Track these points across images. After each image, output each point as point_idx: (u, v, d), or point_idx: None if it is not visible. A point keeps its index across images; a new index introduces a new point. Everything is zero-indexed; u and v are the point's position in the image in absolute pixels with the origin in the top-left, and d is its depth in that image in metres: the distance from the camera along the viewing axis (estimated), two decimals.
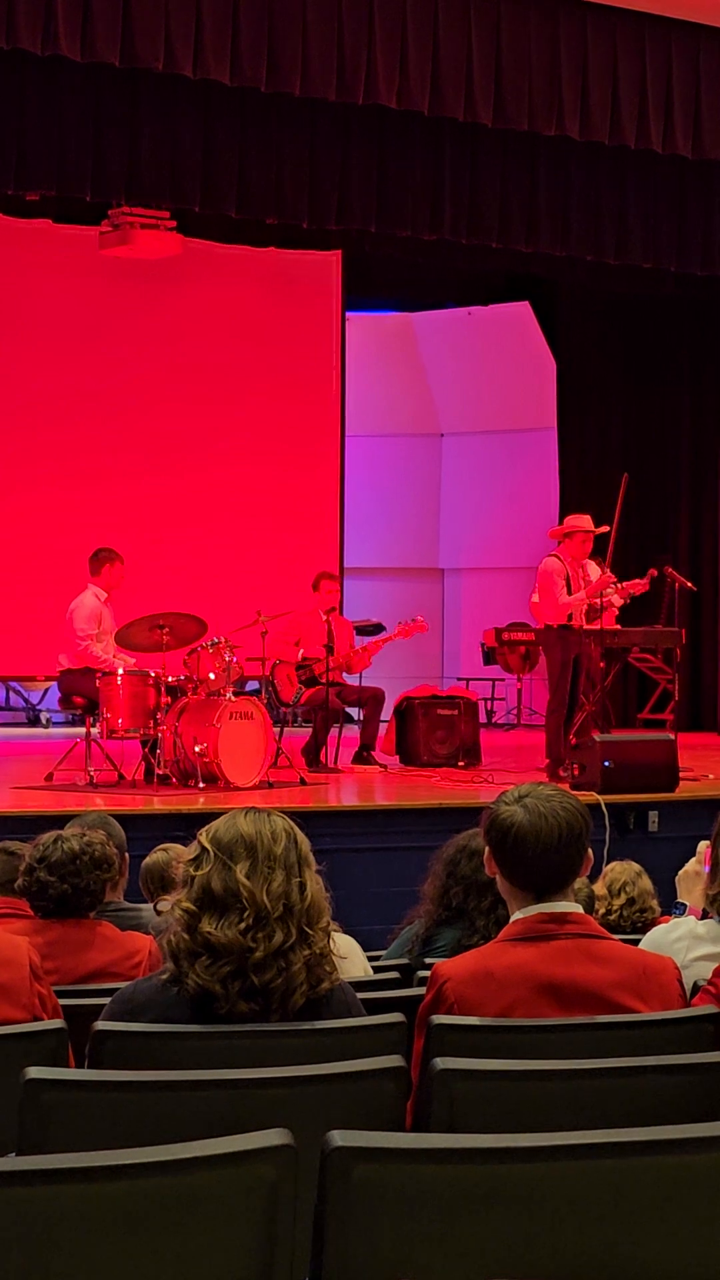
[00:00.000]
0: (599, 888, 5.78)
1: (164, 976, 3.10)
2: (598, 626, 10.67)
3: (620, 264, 12.16)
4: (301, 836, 3.17)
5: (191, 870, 3.10)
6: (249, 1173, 2.19)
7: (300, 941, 3.06)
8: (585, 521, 10.89)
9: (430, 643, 15.58)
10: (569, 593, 10.67)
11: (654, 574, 11.18)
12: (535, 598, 10.97)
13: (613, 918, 5.69)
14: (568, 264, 12.94)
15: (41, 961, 3.76)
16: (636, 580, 11.01)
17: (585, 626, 10.64)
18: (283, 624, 11.19)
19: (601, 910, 5.68)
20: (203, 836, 3.14)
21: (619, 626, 11.09)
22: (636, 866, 5.95)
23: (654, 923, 5.42)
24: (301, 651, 11.18)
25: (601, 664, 10.88)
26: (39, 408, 13.65)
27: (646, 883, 5.88)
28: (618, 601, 10.92)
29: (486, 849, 3.44)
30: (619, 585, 10.82)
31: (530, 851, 3.32)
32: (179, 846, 5.49)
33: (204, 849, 3.11)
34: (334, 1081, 2.80)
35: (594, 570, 10.95)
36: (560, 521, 12.07)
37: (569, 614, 10.66)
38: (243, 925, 3.03)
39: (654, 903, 5.84)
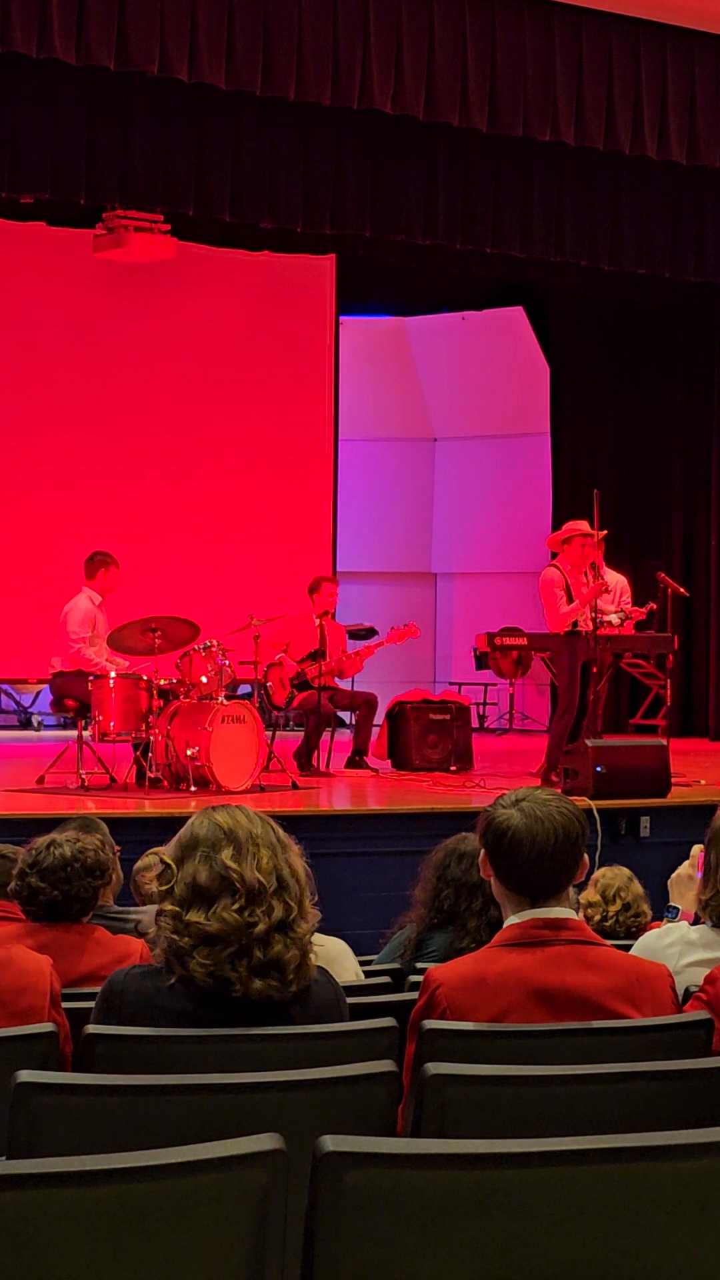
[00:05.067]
0: (590, 894, 5.78)
1: (169, 982, 3.10)
2: (608, 633, 10.77)
3: (614, 269, 12.15)
4: (274, 823, 3.22)
5: (175, 873, 3.13)
6: (240, 1177, 2.18)
7: (299, 916, 3.11)
8: (582, 525, 10.88)
9: (422, 647, 15.57)
10: (569, 600, 10.66)
11: (653, 607, 11.30)
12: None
13: (608, 924, 5.69)
14: (561, 269, 12.94)
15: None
16: (638, 609, 11.22)
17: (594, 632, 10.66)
18: (275, 628, 11.18)
19: (597, 916, 5.67)
20: (174, 844, 3.18)
21: (614, 631, 11.13)
22: (627, 872, 5.94)
23: (646, 928, 5.41)
24: (282, 657, 11.16)
25: (595, 669, 10.90)
26: (32, 411, 13.62)
27: (638, 887, 5.88)
28: (616, 622, 10.99)
29: (482, 851, 3.43)
30: (624, 612, 11.00)
31: (525, 855, 3.32)
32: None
33: (183, 850, 3.15)
34: (326, 1086, 2.79)
35: (611, 578, 11.07)
36: (554, 528, 12.07)
37: (574, 621, 10.65)
38: (237, 906, 3.06)
39: (646, 907, 5.84)
